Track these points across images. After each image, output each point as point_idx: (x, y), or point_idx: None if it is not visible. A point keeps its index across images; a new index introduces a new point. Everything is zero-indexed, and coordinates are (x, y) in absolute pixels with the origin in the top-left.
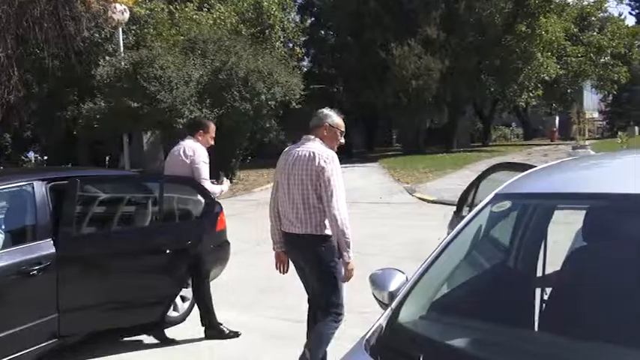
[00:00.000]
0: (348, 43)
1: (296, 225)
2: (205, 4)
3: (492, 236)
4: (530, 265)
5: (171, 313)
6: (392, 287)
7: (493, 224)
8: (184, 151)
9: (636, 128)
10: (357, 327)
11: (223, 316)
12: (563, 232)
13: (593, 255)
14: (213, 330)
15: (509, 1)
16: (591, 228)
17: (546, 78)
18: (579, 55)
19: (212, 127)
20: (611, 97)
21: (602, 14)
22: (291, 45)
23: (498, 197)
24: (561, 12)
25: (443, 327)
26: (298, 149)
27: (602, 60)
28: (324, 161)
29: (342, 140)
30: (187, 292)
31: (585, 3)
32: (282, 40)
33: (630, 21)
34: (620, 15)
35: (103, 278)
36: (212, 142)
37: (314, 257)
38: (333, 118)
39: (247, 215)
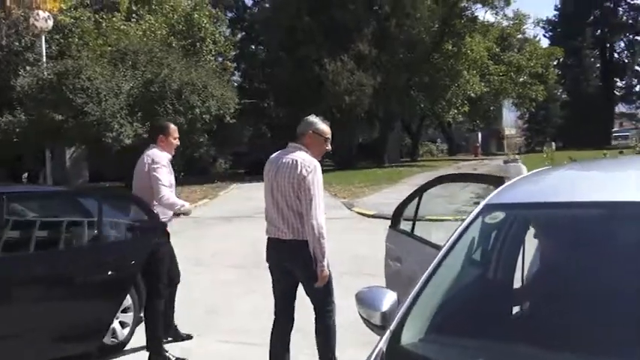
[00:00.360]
0: (281, 58)
1: (282, 230)
2: (134, 15)
3: (486, 249)
4: (531, 279)
5: (109, 341)
6: (384, 307)
7: (486, 236)
8: (144, 161)
9: (553, 144)
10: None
11: (166, 342)
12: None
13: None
14: (159, 357)
15: (437, 21)
16: (593, 236)
17: (472, 95)
18: (501, 73)
19: (172, 127)
20: (527, 115)
21: (520, 35)
22: (221, 59)
23: (489, 208)
24: (486, 32)
25: (445, 349)
26: (283, 157)
27: (521, 79)
28: (306, 170)
29: (329, 147)
30: (127, 317)
31: (505, 24)
32: (213, 53)
33: (544, 43)
34: (535, 37)
35: (30, 304)
36: (177, 143)
37: (302, 262)
38: (318, 125)
39: (185, 234)
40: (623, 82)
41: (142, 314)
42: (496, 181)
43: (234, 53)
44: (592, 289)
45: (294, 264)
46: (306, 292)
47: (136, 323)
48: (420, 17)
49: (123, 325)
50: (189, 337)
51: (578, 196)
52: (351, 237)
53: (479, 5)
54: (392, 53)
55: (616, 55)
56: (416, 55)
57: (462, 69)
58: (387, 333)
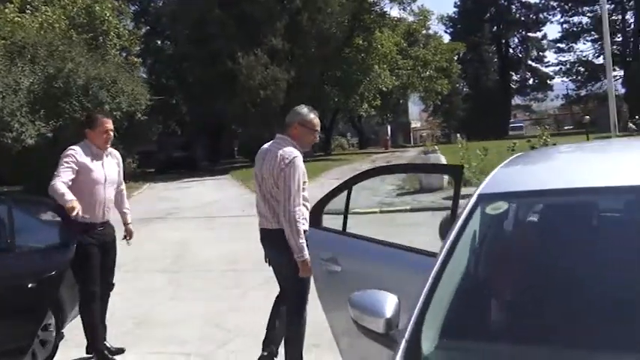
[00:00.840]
0: (191, 52)
1: (269, 220)
2: (28, 6)
3: (492, 243)
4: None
5: None
6: (388, 313)
7: (490, 229)
8: None
9: (458, 135)
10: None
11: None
12: None
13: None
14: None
15: (348, 15)
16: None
17: (383, 89)
18: (409, 68)
19: (100, 119)
20: (432, 108)
21: (425, 31)
22: (124, 54)
23: (485, 198)
24: (395, 27)
25: (473, 356)
26: (269, 148)
27: (427, 73)
28: (285, 163)
29: (317, 139)
30: (48, 335)
31: (411, 20)
32: (117, 47)
33: (446, 39)
34: (436, 33)
35: None
36: (109, 135)
37: (284, 251)
38: (304, 116)
39: None
40: (518, 76)
41: (63, 330)
42: (454, 170)
43: (138, 48)
44: (630, 284)
45: (277, 254)
46: (284, 287)
47: (58, 339)
48: (331, 12)
49: (44, 343)
50: (120, 350)
51: (589, 182)
52: None
53: (387, 1)
54: (305, 48)
55: (511, 51)
56: (328, 50)
57: (373, 63)
58: (403, 344)
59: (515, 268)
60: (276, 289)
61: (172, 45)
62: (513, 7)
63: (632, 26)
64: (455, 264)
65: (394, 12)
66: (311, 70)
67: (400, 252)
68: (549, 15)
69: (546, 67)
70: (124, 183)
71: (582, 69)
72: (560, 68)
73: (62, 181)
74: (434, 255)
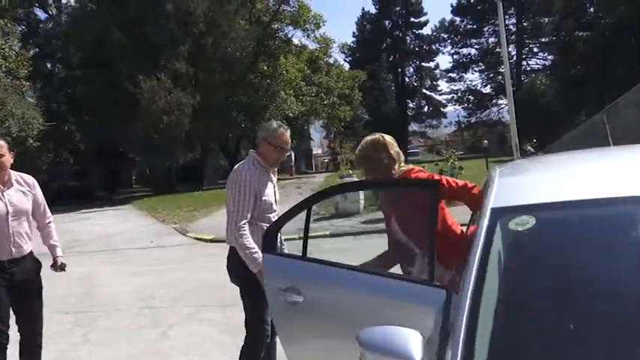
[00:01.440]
0: (86, 76)
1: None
2: None
3: (529, 267)
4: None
5: None
6: (417, 354)
7: (518, 248)
8: None
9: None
10: None
11: None
12: None
13: None
14: None
15: (252, 41)
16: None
17: (290, 115)
18: (312, 94)
19: None
20: (333, 135)
21: (327, 59)
22: (11, 77)
23: (501, 212)
24: (299, 54)
25: None
26: None
27: (330, 100)
28: (229, 181)
29: (284, 157)
30: None
31: (313, 47)
32: (3, 69)
33: (346, 67)
34: (336, 61)
35: None
36: (1, 161)
37: (233, 270)
38: (265, 132)
39: None
40: (414, 104)
41: None
42: (429, 185)
43: (26, 71)
44: None
45: (231, 274)
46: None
47: None
48: (235, 36)
49: None
50: None
51: (629, 190)
52: (197, 265)
53: (291, 27)
54: (209, 72)
55: (407, 79)
56: (233, 75)
57: (278, 89)
58: None
59: (569, 299)
60: (199, 327)
61: (64, 69)
62: (408, 38)
63: (515, 58)
64: (490, 293)
65: (297, 39)
66: (216, 95)
67: (376, 278)
68: (441, 46)
69: (440, 95)
70: (48, 212)
71: (472, 97)
72: (452, 96)
73: None
74: (417, 281)
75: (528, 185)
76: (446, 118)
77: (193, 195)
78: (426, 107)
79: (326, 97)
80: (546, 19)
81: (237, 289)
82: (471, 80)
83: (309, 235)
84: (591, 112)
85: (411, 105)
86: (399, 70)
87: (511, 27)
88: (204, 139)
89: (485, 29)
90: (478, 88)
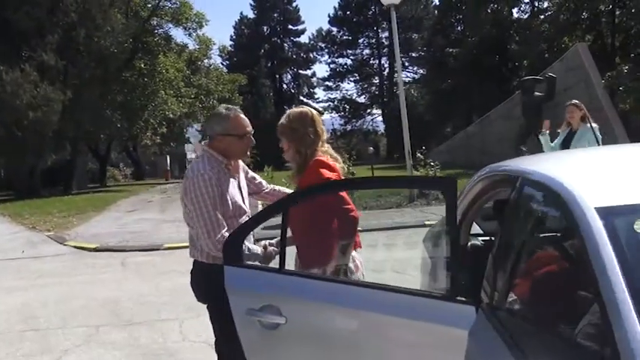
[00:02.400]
0: None
1: (191, 248)
2: None
3: None
4: None
5: None
6: None
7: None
8: None
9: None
10: None
11: None
12: None
13: None
14: None
15: (129, 36)
16: None
17: (171, 116)
18: (192, 96)
19: None
20: (208, 139)
21: (207, 61)
22: None
23: (611, 213)
24: (181, 52)
25: None
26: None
27: (210, 103)
28: (185, 189)
29: (251, 144)
30: None
31: (192, 48)
32: None
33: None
34: (215, 63)
35: None
36: None
37: (200, 288)
38: (220, 124)
39: None
40: None
41: None
42: (444, 184)
43: None
44: None
45: (193, 289)
46: None
47: None
48: (111, 30)
49: None
50: None
51: None
52: (84, 278)
53: (171, 25)
54: (82, 67)
55: (285, 86)
56: (108, 71)
57: (157, 88)
58: None
59: None
60: (102, 351)
61: None
62: (286, 45)
63: (387, 70)
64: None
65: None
66: (89, 92)
67: (381, 293)
68: (318, 55)
69: (317, 102)
70: None
71: (348, 106)
72: (329, 105)
73: None
74: (427, 295)
75: (617, 184)
76: (323, 125)
77: (63, 199)
78: None
79: (205, 100)
80: (416, 35)
81: (135, 302)
82: (347, 90)
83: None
84: (459, 123)
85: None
86: (277, 76)
87: (384, 41)
88: (75, 138)
89: (361, 41)
90: (354, 97)
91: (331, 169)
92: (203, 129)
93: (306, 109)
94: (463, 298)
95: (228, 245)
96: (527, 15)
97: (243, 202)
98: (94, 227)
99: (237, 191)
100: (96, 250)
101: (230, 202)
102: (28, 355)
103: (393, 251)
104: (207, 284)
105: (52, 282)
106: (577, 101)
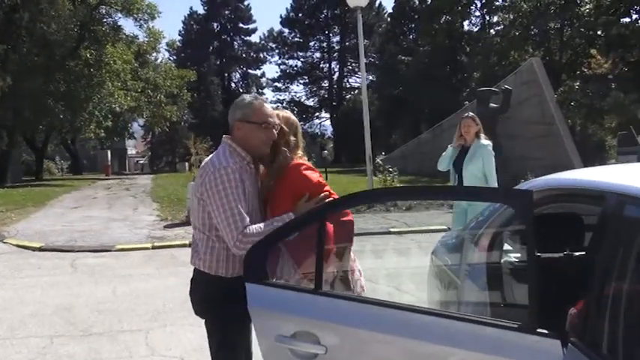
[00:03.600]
0: None
1: (194, 255)
2: None
3: None
4: None
5: None
6: None
7: None
8: None
9: (186, 164)
10: None
11: None
12: None
13: None
14: None
15: (76, 24)
16: None
17: (117, 109)
18: (139, 90)
19: None
20: (151, 136)
21: (155, 54)
22: None
23: None
24: (131, 43)
25: None
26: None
27: (157, 97)
28: (204, 182)
29: (274, 135)
30: None
31: (141, 40)
32: None
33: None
34: (164, 57)
35: None
36: None
37: (196, 301)
38: (241, 110)
39: None
40: None
41: None
42: (518, 198)
43: None
44: None
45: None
46: None
47: None
48: (57, 16)
49: None
50: None
51: None
52: (30, 280)
53: (120, 15)
54: (23, 53)
55: (233, 85)
56: (52, 59)
57: (104, 79)
58: None
59: None
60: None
61: None
62: (236, 43)
63: (337, 74)
64: None
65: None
66: (30, 80)
67: (439, 320)
68: (268, 55)
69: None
70: None
71: (296, 108)
72: (278, 106)
73: None
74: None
75: None
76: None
77: (1, 192)
78: None
79: (152, 94)
80: (367, 41)
81: (92, 310)
82: (296, 92)
83: None
84: (407, 131)
85: None
86: (226, 74)
87: (335, 45)
88: (12, 128)
89: (312, 44)
90: (302, 100)
91: (314, 171)
92: (146, 124)
93: (288, 113)
94: (545, 331)
95: (250, 259)
96: (477, 28)
97: (260, 211)
98: (35, 224)
99: (256, 196)
100: (41, 249)
101: (248, 205)
102: None
103: (362, 259)
104: (206, 297)
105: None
106: (473, 114)
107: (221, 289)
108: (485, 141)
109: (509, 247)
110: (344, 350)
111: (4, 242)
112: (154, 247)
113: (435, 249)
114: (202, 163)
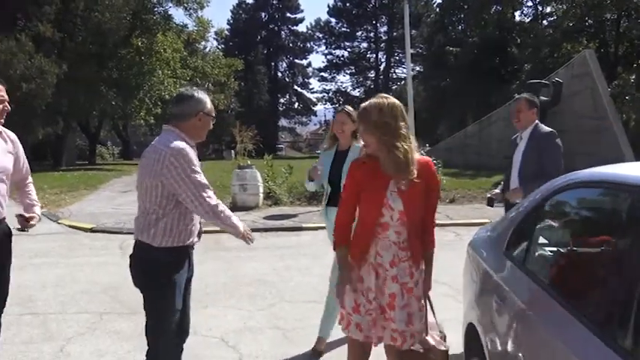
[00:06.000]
0: None
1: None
2: None
3: None
4: None
5: None
6: None
7: None
8: None
9: (232, 152)
10: None
11: None
12: None
13: None
14: None
15: (129, 13)
16: None
17: (167, 97)
18: (188, 78)
19: None
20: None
21: (204, 43)
22: None
23: None
24: (180, 32)
25: None
26: (153, 144)
27: (206, 86)
28: (162, 162)
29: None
30: None
31: (191, 29)
32: None
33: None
34: (212, 46)
35: None
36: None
37: (139, 269)
38: (198, 104)
39: None
40: (285, 99)
41: None
42: None
43: None
44: None
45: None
46: None
47: None
48: (110, 5)
49: None
50: None
51: None
52: (81, 260)
53: (171, 4)
54: (79, 40)
55: (280, 74)
56: (105, 47)
57: (155, 67)
58: None
59: None
60: (108, 341)
61: None
62: (283, 32)
63: (384, 65)
64: None
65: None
66: (85, 67)
67: None
68: (315, 45)
69: (311, 93)
70: (29, 171)
71: (342, 99)
72: (323, 96)
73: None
74: None
75: None
76: (316, 116)
77: (53, 175)
78: (297, 104)
79: (201, 82)
80: (415, 32)
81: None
82: (342, 82)
83: None
84: (453, 123)
85: (282, 100)
86: (273, 64)
87: (382, 35)
88: (68, 114)
89: (359, 34)
90: (348, 90)
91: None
92: None
93: (393, 99)
94: None
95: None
96: (529, 19)
97: None
98: (87, 206)
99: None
100: (92, 230)
101: None
102: (28, 343)
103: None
104: (146, 260)
105: (49, 262)
106: (349, 108)
107: (161, 262)
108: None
109: (545, 241)
110: None
111: (59, 223)
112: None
113: (471, 240)
114: (158, 148)
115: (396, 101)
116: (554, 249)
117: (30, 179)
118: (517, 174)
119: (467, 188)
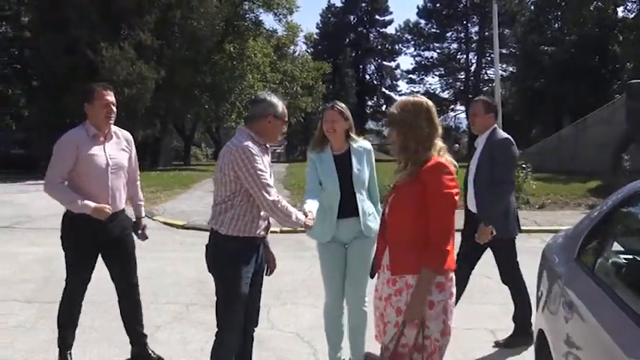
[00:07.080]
0: (39, 38)
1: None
2: None
3: None
4: None
5: None
6: None
7: None
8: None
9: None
10: None
11: None
12: None
13: None
14: None
15: (222, 19)
16: None
17: None
18: (277, 81)
19: (100, 91)
20: (287, 125)
21: (293, 47)
22: None
23: None
24: (270, 37)
25: None
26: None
27: (294, 89)
28: (231, 160)
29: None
30: None
31: (280, 34)
32: None
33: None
34: (301, 50)
35: None
36: (110, 110)
37: (212, 260)
38: (271, 107)
39: None
40: (373, 102)
41: None
42: None
43: None
44: None
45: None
46: None
47: None
48: (205, 13)
49: None
50: None
51: None
52: (171, 255)
53: (261, 10)
54: (175, 47)
55: (367, 77)
56: (200, 53)
57: (245, 72)
58: None
59: None
60: (193, 330)
61: (11, 28)
62: (371, 35)
63: (475, 66)
64: None
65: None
66: (181, 72)
67: None
68: (404, 47)
69: (399, 95)
70: (138, 170)
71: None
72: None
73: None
74: None
75: None
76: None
77: (150, 175)
78: (385, 106)
79: (289, 86)
80: (508, 31)
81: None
82: (430, 84)
83: None
84: (548, 126)
85: (369, 103)
86: (361, 66)
87: (473, 35)
88: (165, 116)
89: (449, 35)
90: (437, 92)
91: (452, 176)
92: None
93: (420, 98)
94: None
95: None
96: (633, 14)
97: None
98: (180, 204)
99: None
100: (184, 227)
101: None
102: (121, 327)
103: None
104: (219, 252)
105: (142, 256)
106: (342, 104)
107: (233, 248)
108: (364, 141)
109: (620, 248)
110: None
111: (153, 219)
112: (281, 232)
113: (545, 246)
114: (230, 147)
115: (425, 101)
116: (630, 256)
117: (138, 178)
118: (472, 181)
119: (559, 194)
